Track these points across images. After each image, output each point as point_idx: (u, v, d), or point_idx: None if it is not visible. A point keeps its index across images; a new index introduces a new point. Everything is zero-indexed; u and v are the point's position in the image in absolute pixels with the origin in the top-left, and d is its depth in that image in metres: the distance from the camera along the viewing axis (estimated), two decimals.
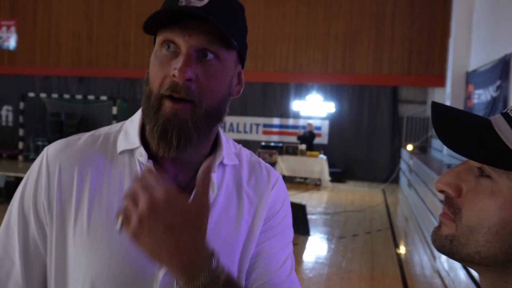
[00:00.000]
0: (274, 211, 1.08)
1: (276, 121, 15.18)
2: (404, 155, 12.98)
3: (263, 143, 14.00)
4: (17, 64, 16.79)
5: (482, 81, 9.38)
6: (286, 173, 12.85)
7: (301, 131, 13.55)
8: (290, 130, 15.02)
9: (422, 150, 12.98)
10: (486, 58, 9.37)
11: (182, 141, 0.91)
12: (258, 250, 1.05)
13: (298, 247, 6.68)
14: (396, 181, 13.52)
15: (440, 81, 13.36)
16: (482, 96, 9.25)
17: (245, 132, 15.30)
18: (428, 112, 14.10)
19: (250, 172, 1.08)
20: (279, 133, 15.17)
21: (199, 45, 0.90)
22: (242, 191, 1.05)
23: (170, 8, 0.89)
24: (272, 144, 13.78)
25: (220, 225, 0.99)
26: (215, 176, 1.00)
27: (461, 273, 4.48)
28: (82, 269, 0.92)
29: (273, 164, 13.18)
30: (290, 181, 13.12)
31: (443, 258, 5.50)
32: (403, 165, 13.07)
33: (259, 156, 13.13)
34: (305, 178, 13.10)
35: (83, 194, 0.95)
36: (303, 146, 12.96)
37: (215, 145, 1.03)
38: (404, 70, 14.03)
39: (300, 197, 10.08)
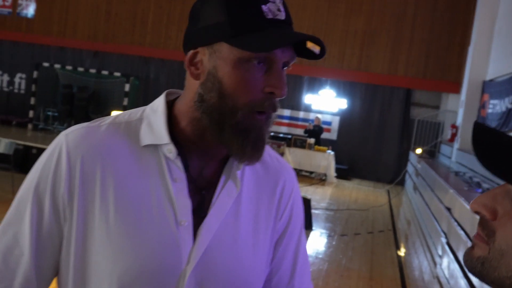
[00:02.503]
0: (292, 209, 1.09)
1: (286, 112, 15.15)
2: (412, 158, 12.94)
3: (272, 134, 13.98)
4: (33, 33, 16.81)
5: (498, 92, 9.31)
6: (292, 165, 12.80)
7: (310, 125, 13.51)
8: (300, 123, 15.00)
9: (431, 154, 12.94)
10: (504, 69, 9.29)
11: (262, 151, 0.94)
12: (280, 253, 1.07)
13: None
14: (401, 183, 13.49)
15: (455, 88, 13.28)
16: (497, 106, 9.19)
17: None
18: (440, 117, 14.04)
19: (271, 168, 1.08)
20: (289, 125, 15.15)
21: (288, 60, 0.92)
22: (263, 187, 1.05)
23: (283, 36, 0.89)
24: (281, 135, 13.77)
25: (244, 222, 0.99)
26: (239, 173, 0.99)
27: (462, 282, 4.48)
28: (108, 265, 0.90)
29: (280, 155, 13.17)
30: (296, 174, 13.10)
31: (444, 264, 5.50)
32: (410, 168, 13.04)
33: None
34: (311, 172, 13.11)
35: (108, 188, 0.92)
36: (311, 140, 12.94)
37: None
38: (419, 73, 13.95)
39: (304, 191, 10.08)
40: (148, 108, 1.00)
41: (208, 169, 0.99)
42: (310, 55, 0.92)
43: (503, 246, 0.65)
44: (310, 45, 0.90)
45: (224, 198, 0.97)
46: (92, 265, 0.91)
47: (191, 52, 0.94)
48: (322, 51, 0.91)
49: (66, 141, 0.93)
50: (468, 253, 0.70)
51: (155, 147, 0.95)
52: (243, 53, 0.87)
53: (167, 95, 1.01)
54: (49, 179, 0.92)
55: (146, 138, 0.95)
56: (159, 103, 0.98)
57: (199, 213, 0.95)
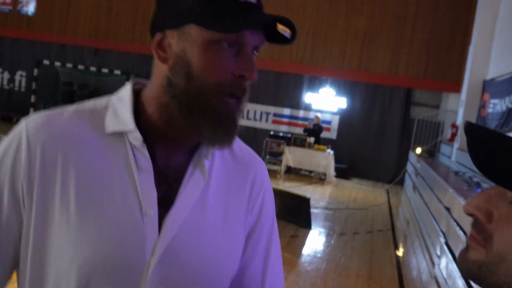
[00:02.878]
0: (263, 202, 1.07)
1: (286, 111, 15.15)
2: (412, 157, 12.94)
3: (271, 132, 13.99)
4: (34, 30, 16.82)
5: (499, 91, 9.30)
6: (292, 164, 12.86)
7: (310, 124, 13.50)
8: (300, 122, 15.00)
9: (431, 154, 12.92)
10: (505, 68, 9.28)
11: (234, 136, 0.92)
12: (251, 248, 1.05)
13: (299, 240, 6.70)
14: (401, 182, 13.50)
15: (455, 88, 13.27)
16: (497, 106, 9.18)
17: (255, 119, 15.28)
18: (440, 117, 14.04)
19: (240, 159, 1.06)
20: (289, 124, 15.16)
21: (257, 43, 0.90)
22: (232, 177, 1.02)
23: (254, 17, 0.87)
24: (281, 134, 13.77)
25: (211, 212, 0.96)
26: (207, 163, 0.97)
27: (460, 282, 4.48)
28: (67, 255, 0.87)
29: (280, 154, 13.19)
30: (295, 172, 13.13)
31: (442, 264, 5.50)
32: (409, 168, 13.04)
33: (266, 145, 13.24)
34: (310, 171, 13.11)
35: (69, 176, 0.88)
36: (311, 139, 12.94)
37: None
38: (420, 73, 13.94)
39: (304, 190, 10.09)
40: (114, 96, 0.97)
41: (175, 159, 0.96)
42: (281, 40, 0.91)
43: (502, 251, 0.63)
44: (280, 27, 0.88)
45: (191, 188, 0.94)
46: (51, 256, 0.88)
47: (158, 35, 0.91)
48: (294, 35, 0.89)
49: (26, 128, 0.90)
50: (463, 256, 0.68)
51: (120, 135, 0.92)
52: (213, 35, 0.86)
53: (134, 85, 0.98)
54: (8, 167, 0.89)
55: (111, 125, 0.92)
56: (125, 91, 0.96)
57: (165, 203, 0.92)
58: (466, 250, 0.69)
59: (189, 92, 0.89)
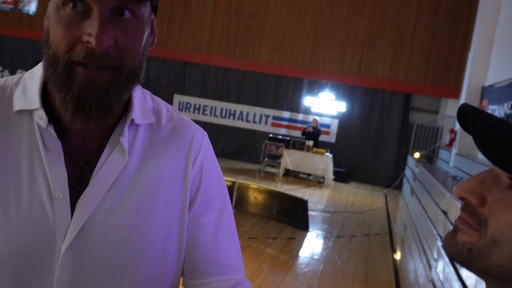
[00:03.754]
0: (206, 177, 0.98)
1: (286, 114, 15.17)
2: (410, 162, 12.96)
3: (270, 135, 14.01)
4: (35, 29, 16.83)
5: (497, 97, 9.34)
6: (290, 167, 12.87)
7: (309, 127, 13.50)
8: (299, 125, 15.01)
9: (429, 159, 12.95)
10: (504, 75, 9.32)
11: (103, 111, 0.81)
12: (194, 225, 0.96)
13: (296, 242, 6.71)
14: (399, 187, 13.51)
15: (454, 94, 13.31)
16: (495, 112, 9.22)
17: (254, 122, 15.30)
18: (439, 122, 14.06)
19: (172, 129, 0.97)
20: (288, 127, 15.17)
21: (114, 4, 0.78)
22: (162, 151, 0.94)
23: None
24: (280, 137, 13.79)
25: (134, 192, 0.90)
26: (124, 141, 0.89)
27: (456, 285, 4.49)
28: None
29: (279, 157, 13.21)
30: (294, 175, 13.14)
31: (439, 268, 5.52)
32: (407, 172, 13.06)
33: (265, 147, 13.26)
34: (309, 175, 13.12)
35: None
36: (310, 142, 12.96)
37: (127, 104, 0.92)
38: (419, 78, 13.98)
39: (302, 192, 10.10)
40: (27, 73, 0.91)
41: (91, 141, 0.89)
42: None
43: (497, 235, 0.63)
44: None
45: (108, 169, 0.87)
46: None
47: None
48: None
49: None
50: (451, 238, 0.68)
51: (29, 114, 0.86)
52: None
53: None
54: None
55: (18, 103, 0.86)
56: (38, 68, 0.89)
57: (79, 186, 0.86)
58: (454, 232, 0.68)
59: (47, 62, 0.82)
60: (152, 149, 0.93)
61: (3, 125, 0.85)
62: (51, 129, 0.85)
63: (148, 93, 0.99)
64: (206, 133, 1.03)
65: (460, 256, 0.66)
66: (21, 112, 0.86)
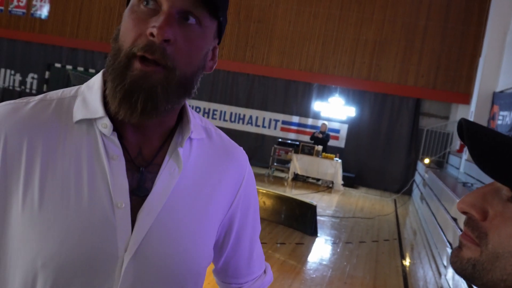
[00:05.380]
0: (249, 196, 1.06)
1: (295, 119, 15.15)
2: (420, 168, 12.89)
3: (280, 140, 14.01)
4: (47, 33, 16.97)
5: (508, 103, 9.27)
6: (299, 172, 12.85)
7: (318, 133, 13.47)
8: (308, 130, 14.99)
9: (439, 165, 12.88)
10: None
11: (148, 106, 0.83)
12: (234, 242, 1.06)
13: (304, 247, 6.69)
14: (408, 193, 13.44)
15: (465, 99, 13.24)
16: (506, 118, 9.15)
17: (263, 126, 15.31)
18: (449, 128, 13.99)
19: (222, 149, 1.02)
20: (297, 132, 15.16)
21: (182, 7, 0.83)
22: (214, 168, 0.98)
23: None
24: (289, 141, 13.78)
25: (189, 204, 0.92)
26: (181, 151, 0.92)
27: None
28: (32, 251, 0.81)
29: (288, 161, 13.19)
30: (303, 180, 13.11)
31: (449, 275, 5.47)
32: (417, 178, 12.99)
33: (274, 152, 13.25)
34: (318, 179, 13.09)
35: (34, 166, 0.84)
36: (319, 147, 12.93)
37: (180, 118, 0.96)
38: (429, 84, 13.92)
39: (311, 197, 10.07)
40: (84, 85, 0.94)
41: (147, 147, 0.91)
42: (210, 5, 0.85)
43: (498, 249, 0.62)
44: None
45: (166, 178, 0.89)
46: (11, 250, 0.83)
47: None
48: None
49: None
50: (456, 254, 0.68)
51: (89, 123, 0.88)
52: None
53: (105, 74, 0.92)
54: None
55: (79, 113, 0.88)
56: (96, 79, 0.92)
57: (139, 193, 0.88)
58: (459, 248, 0.68)
59: (110, 56, 0.86)
60: (205, 164, 0.97)
61: (64, 135, 0.87)
62: (114, 137, 0.87)
63: (194, 111, 1.02)
64: (246, 155, 1.09)
65: (465, 273, 0.66)
66: (81, 122, 0.88)
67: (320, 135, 13.34)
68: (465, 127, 0.65)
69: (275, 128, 15.28)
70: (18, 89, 17.45)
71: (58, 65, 16.55)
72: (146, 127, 0.90)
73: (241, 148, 1.08)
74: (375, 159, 14.27)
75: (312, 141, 13.37)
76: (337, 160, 12.79)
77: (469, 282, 0.67)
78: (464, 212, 0.67)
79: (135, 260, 0.85)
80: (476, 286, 0.66)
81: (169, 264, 0.89)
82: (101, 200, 0.85)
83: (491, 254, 0.63)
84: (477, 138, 0.64)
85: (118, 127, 0.89)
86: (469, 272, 0.65)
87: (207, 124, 1.04)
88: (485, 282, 0.64)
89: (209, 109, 15.58)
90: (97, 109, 0.88)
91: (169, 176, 0.90)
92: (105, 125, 0.87)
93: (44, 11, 17.06)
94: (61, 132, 0.88)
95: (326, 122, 13.99)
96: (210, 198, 0.96)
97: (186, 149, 0.94)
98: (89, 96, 0.90)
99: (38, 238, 0.82)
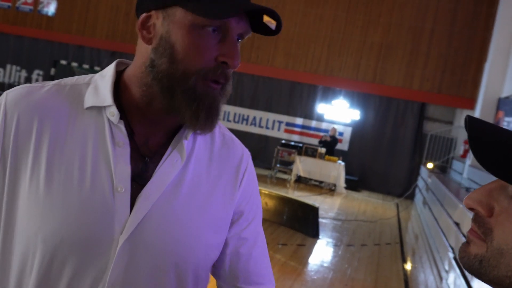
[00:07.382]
0: (250, 195, 1.07)
1: (299, 121, 15.16)
2: (423, 172, 12.86)
3: (283, 141, 14.01)
4: (53, 30, 17.02)
5: None
6: (302, 174, 12.84)
7: (327, 137, 13.45)
8: (312, 132, 14.99)
9: (442, 170, 12.85)
10: None
11: (216, 119, 0.92)
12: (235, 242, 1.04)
13: (306, 249, 6.68)
14: (411, 197, 13.41)
15: (469, 104, 13.20)
16: (511, 124, 9.12)
17: (267, 127, 15.31)
18: (454, 133, 13.96)
19: (224, 146, 1.05)
20: (301, 133, 15.15)
21: (243, 32, 0.91)
22: (216, 164, 1.02)
23: (240, 4, 0.87)
24: (292, 143, 13.78)
25: (189, 195, 0.96)
26: (186, 144, 0.96)
27: None
28: (35, 226, 0.87)
29: (291, 163, 13.19)
30: (305, 182, 13.10)
31: (450, 279, 5.46)
32: (420, 182, 12.96)
33: (277, 153, 13.25)
34: (320, 182, 13.08)
35: (42, 146, 0.89)
36: (322, 150, 12.92)
37: None
38: (434, 88, 13.89)
39: (313, 200, 10.07)
40: (97, 74, 0.98)
41: (154, 139, 0.96)
42: (267, 31, 0.92)
43: (503, 245, 0.63)
44: (266, 19, 0.89)
45: (167, 167, 0.93)
46: (18, 225, 0.89)
47: (144, 15, 0.92)
48: (278, 26, 0.89)
49: (6, 99, 0.92)
50: (464, 250, 0.68)
51: (99, 110, 0.92)
52: (197, 19, 0.86)
53: (118, 64, 0.98)
54: None
55: (89, 100, 0.93)
56: (109, 69, 0.96)
57: (140, 181, 0.92)
58: (467, 244, 0.69)
59: (171, 75, 0.89)
60: (207, 159, 1.01)
61: (73, 119, 0.92)
62: (121, 125, 0.91)
63: None
64: (250, 154, 1.11)
65: (472, 268, 0.67)
66: (91, 108, 0.92)
67: (329, 139, 13.34)
68: (468, 122, 0.66)
69: (278, 129, 15.28)
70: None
71: (64, 62, 16.60)
72: (155, 120, 0.95)
73: (244, 146, 1.10)
74: (379, 163, 14.25)
75: (321, 145, 13.34)
76: (340, 163, 12.78)
77: (476, 277, 0.67)
78: (470, 208, 0.67)
79: (130, 242, 0.88)
80: (483, 281, 0.67)
81: (164, 252, 0.91)
82: (102, 184, 0.89)
83: (496, 250, 0.64)
84: (479, 136, 0.64)
85: (128, 118, 0.94)
86: (476, 267, 0.66)
87: None
88: (491, 278, 0.65)
89: None
90: (106, 97, 0.92)
91: (171, 166, 0.94)
92: (112, 113, 0.91)
93: (51, 8, 17.11)
94: (71, 117, 0.92)
95: (336, 126, 13.97)
96: (212, 193, 0.99)
97: (190, 143, 0.98)
98: (101, 84, 0.94)
99: (40, 215, 0.87)
